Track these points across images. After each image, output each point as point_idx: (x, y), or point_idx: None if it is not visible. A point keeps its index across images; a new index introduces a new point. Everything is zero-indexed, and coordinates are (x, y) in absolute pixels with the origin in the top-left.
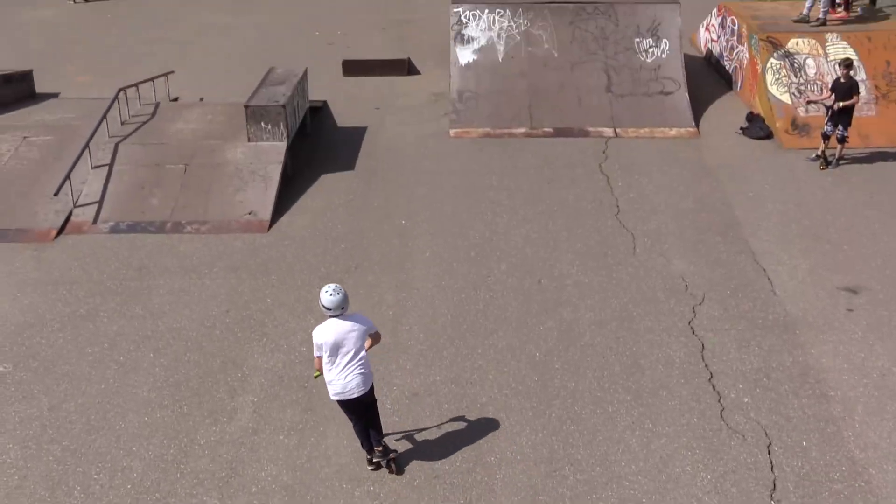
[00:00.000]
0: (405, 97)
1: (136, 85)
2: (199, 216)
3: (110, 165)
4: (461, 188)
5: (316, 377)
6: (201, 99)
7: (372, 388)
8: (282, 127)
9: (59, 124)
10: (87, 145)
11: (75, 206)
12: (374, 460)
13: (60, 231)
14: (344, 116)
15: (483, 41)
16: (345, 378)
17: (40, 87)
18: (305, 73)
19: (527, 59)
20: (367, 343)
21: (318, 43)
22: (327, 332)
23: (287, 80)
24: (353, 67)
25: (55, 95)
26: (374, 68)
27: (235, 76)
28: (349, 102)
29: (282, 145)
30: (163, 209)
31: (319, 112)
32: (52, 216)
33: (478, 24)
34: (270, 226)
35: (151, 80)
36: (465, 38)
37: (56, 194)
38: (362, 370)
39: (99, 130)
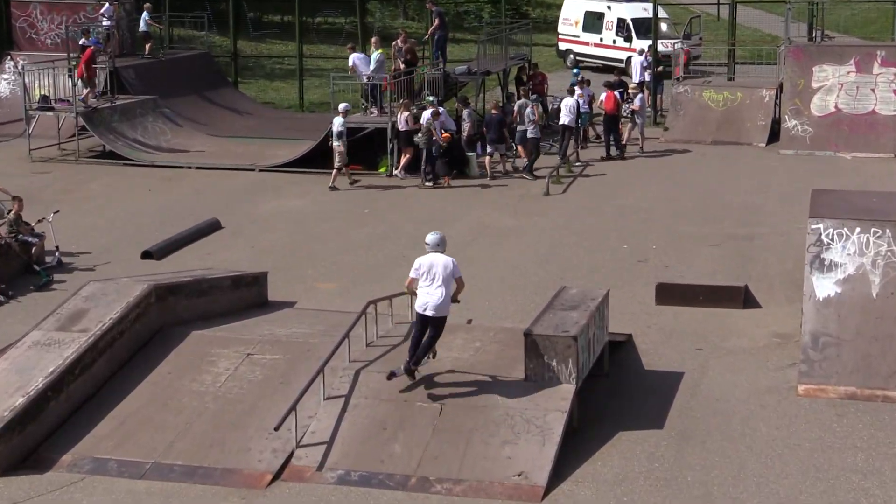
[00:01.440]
0: (738, 337)
1: (389, 298)
2: (452, 472)
3: (347, 397)
4: (811, 467)
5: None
6: (469, 321)
7: (442, 320)
8: (571, 364)
9: (290, 340)
10: (321, 369)
11: (298, 446)
12: (401, 371)
13: (277, 476)
14: (654, 356)
15: (851, 269)
16: (426, 298)
17: (274, 293)
18: (606, 296)
19: None
20: (454, 286)
21: (625, 258)
22: (425, 260)
23: (581, 305)
24: (671, 293)
25: (290, 304)
26: (698, 296)
27: (515, 293)
28: (663, 339)
29: (569, 388)
30: (407, 459)
31: (622, 348)
32: (268, 456)
33: (845, 247)
34: (545, 494)
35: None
36: (827, 263)
37: (277, 429)
38: (440, 300)
39: (338, 352)
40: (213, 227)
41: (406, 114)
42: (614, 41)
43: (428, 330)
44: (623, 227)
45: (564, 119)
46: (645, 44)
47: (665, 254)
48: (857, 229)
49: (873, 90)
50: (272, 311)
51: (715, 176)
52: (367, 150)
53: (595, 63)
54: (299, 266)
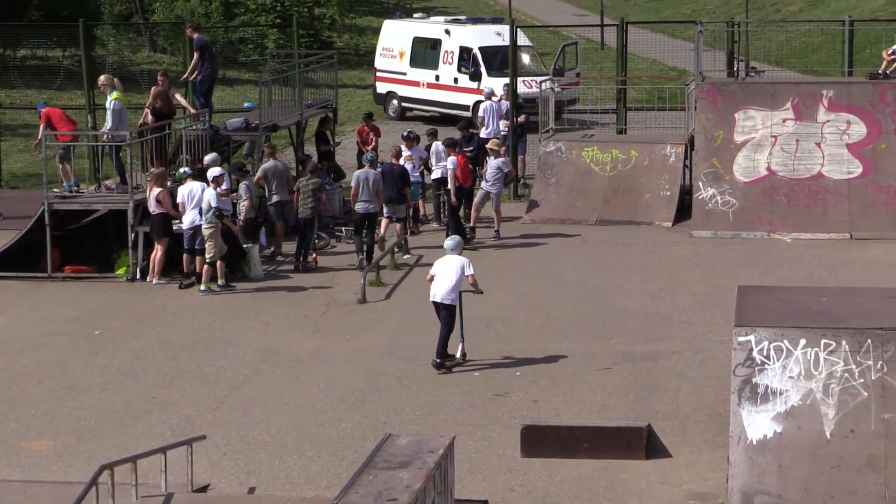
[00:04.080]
0: (640, 500)
1: (132, 460)
2: None
3: None
4: None
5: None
6: (252, 490)
7: (450, 307)
8: None
9: None
10: None
11: None
12: (434, 364)
13: None
14: None
15: (795, 399)
16: (435, 288)
17: None
18: (451, 447)
19: (884, 436)
20: (470, 280)
21: (477, 392)
22: (443, 259)
23: (415, 461)
24: (543, 440)
25: None
26: (582, 443)
27: (318, 447)
28: None
29: None
30: None
31: None
32: None
33: (786, 367)
34: None
35: (160, 451)
36: (762, 391)
37: None
38: (447, 289)
39: None
40: None
41: (158, 190)
42: (456, 80)
43: (442, 315)
44: (473, 346)
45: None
46: (499, 83)
47: (534, 383)
48: (803, 342)
49: (819, 145)
50: None
51: (602, 270)
52: (98, 242)
53: (429, 111)
54: None
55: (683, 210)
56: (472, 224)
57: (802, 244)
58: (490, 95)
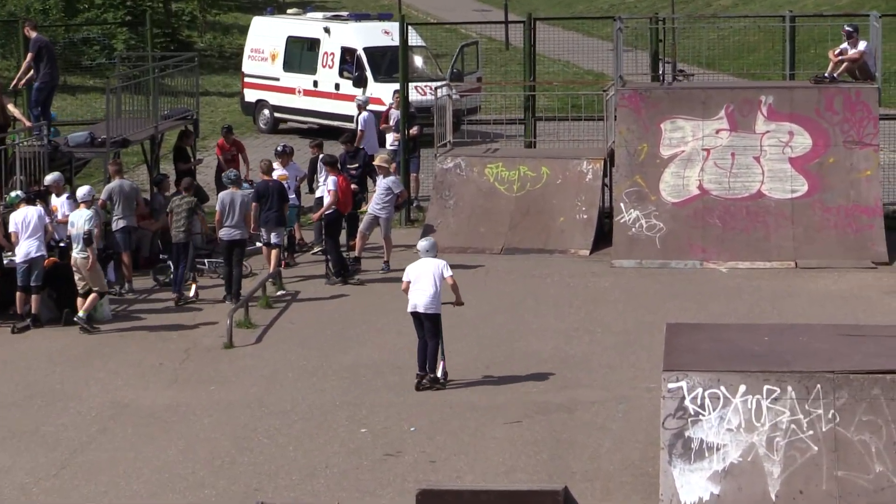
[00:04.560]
0: None
1: None
2: None
3: None
4: None
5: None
6: None
7: (434, 317)
8: None
9: None
10: None
11: None
12: (417, 378)
13: None
14: None
15: (735, 454)
16: (415, 298)
17: None
18: None
19: (837, 497)
20: (450, 282)
21: (364, 451)
22: (416, 264)
23: None
24: None
25: None
26: None
27: None
28: None
29: None
30: None
31: None
32: None
33: (724, 418)
34: None
35: None
36: (696, 447)
37: None
38: (429, 298)
39: None
40: None
41: None
42: (338, 86)
43: (425, 326)
44: (357, 398)
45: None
46: (387, 90)
47: (431, 440)
48: (742, 388)
49: (758, 159)
50: None
51: (509, 307)
52: None
53: (307, 123)
54: None
55: (603, 236)
56: (356, 254)
57: (740, 274)
58: (364, 105)
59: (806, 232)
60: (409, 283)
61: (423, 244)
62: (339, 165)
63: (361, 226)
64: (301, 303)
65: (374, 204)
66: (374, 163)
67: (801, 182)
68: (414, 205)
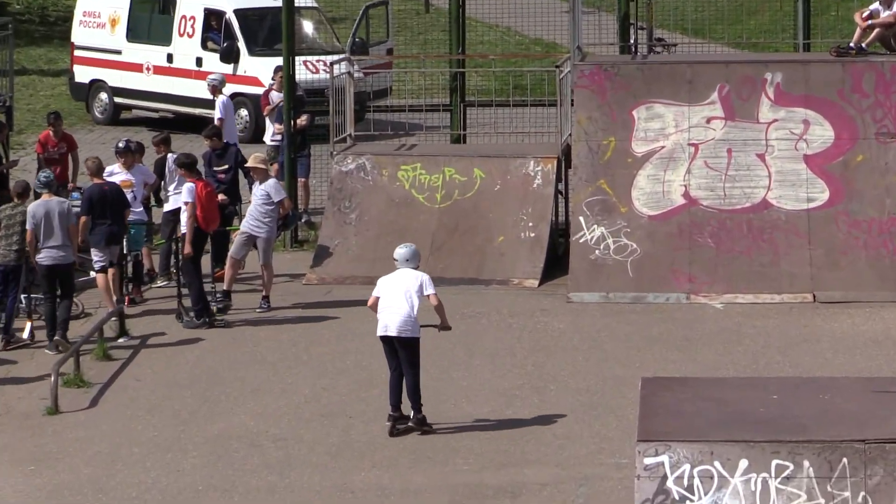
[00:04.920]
0: None
1: None
2: None
3: None
4: None
5: None
6: None
7: (410, 341)
8: None
9: None
10: None
11: None
12: (389, 422)
13: None
14: None
15: None
16: (386, 318)
17: None
18: None
19: None
20: (434, 301)
21: None
22: (390, 277)
23: None
24: None
25: None
26: None
27: None
28: None
29: None
30: None
31: None
32: None
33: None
34: None
35: None
36: None
37: None
38: (404, 318)
39: None
40: None
41: None
42: (200, 61)
43: (401, 362)
44: (228, 481)
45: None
46: (267, 65)
47: None
48: (744, 463)
49: (762, 157)
50: None
51: (432, 358)
52: None
53: (159, 111)
54: None
55: (556, 261)
56: (226, 287)
57: (741, 311)
58: (220, 86)
59: (827, 254)
60: (377, 298)
61: (401, 252)
62: (198, 168)
63: (232, 248)
64: (151, 352)
65: (250, 219)
66: (248, 164)
67: (821, 188)
68: (303, 220)
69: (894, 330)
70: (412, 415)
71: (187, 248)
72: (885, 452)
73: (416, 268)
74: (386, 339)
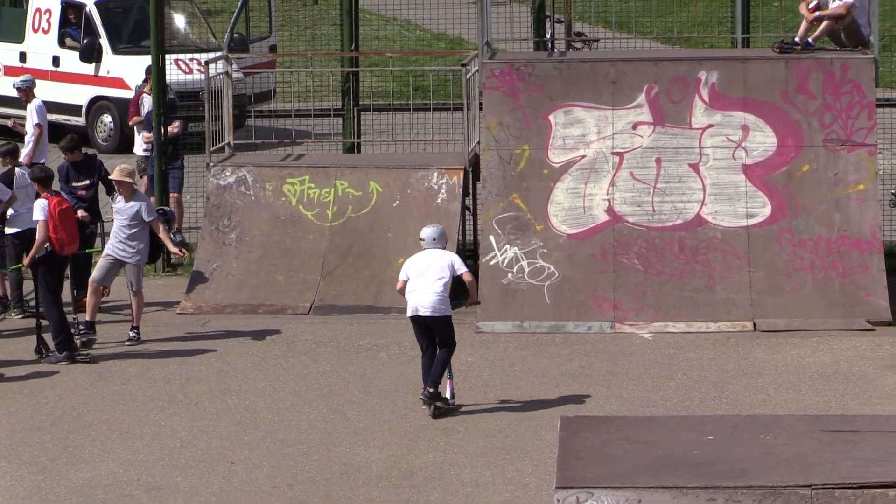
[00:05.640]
0: None
1: None
2: None
3: None
4: None
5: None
6: None
7: (444, 320)
8: None
9: None
10: None
11: None
12: (421, 397)
13: None
14: None
15: None
16: (416, 299)
17: None
18: None
19: None
20: (467, 279)
21: None
22: (418, 258)
23: None
24: None
25: None
26: None
27: None
28: None
29: None
30: None
31: None
32: None
33: None
34: None
35: None
36: None
37: None
38: (436, 297)
39: None
40: None
41: None
42: (57, 59)
43: (436, 341)
44: None
45: None
46: (133, 64)
47: None
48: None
49: (696, 167)
50: None
51: (322, 397)
52: None
53: (10, 119)
54: None
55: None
56: (89, 318)
57: (672, 342)
58: (29, 88)
59: (769, 277)
60: (405, 282)
61: (428, 231)
62: (51, 182)
63: (94, 273)
64: (5, 390)
65: (115, 241)
66: (112, 177)
67: (762, 202)
68: (177, 240)
69: (844, 362)
70: (424, 388)
71: (27, 261)
72: (833, 499)
73: (444, 248)
74: (417, 320)
